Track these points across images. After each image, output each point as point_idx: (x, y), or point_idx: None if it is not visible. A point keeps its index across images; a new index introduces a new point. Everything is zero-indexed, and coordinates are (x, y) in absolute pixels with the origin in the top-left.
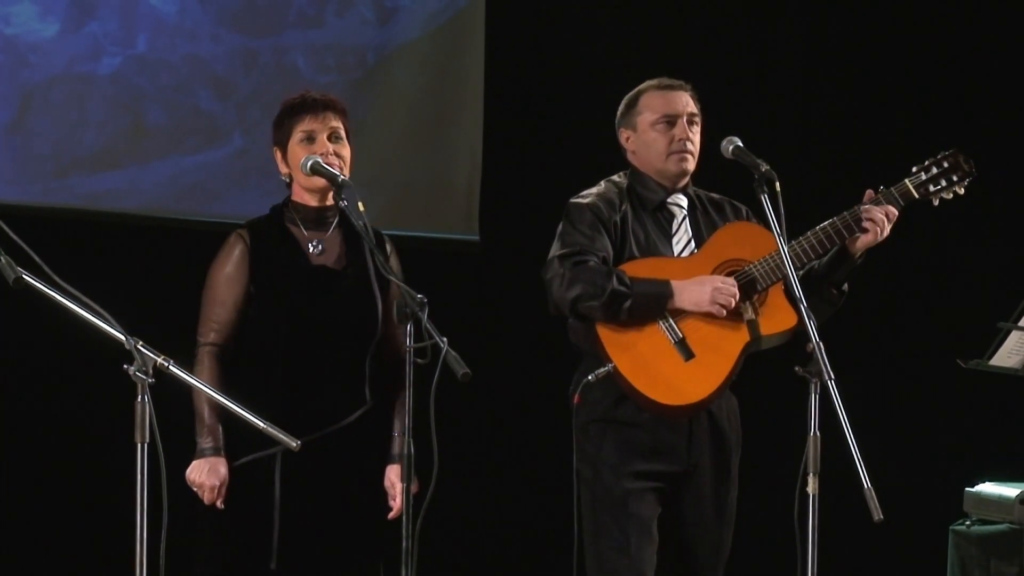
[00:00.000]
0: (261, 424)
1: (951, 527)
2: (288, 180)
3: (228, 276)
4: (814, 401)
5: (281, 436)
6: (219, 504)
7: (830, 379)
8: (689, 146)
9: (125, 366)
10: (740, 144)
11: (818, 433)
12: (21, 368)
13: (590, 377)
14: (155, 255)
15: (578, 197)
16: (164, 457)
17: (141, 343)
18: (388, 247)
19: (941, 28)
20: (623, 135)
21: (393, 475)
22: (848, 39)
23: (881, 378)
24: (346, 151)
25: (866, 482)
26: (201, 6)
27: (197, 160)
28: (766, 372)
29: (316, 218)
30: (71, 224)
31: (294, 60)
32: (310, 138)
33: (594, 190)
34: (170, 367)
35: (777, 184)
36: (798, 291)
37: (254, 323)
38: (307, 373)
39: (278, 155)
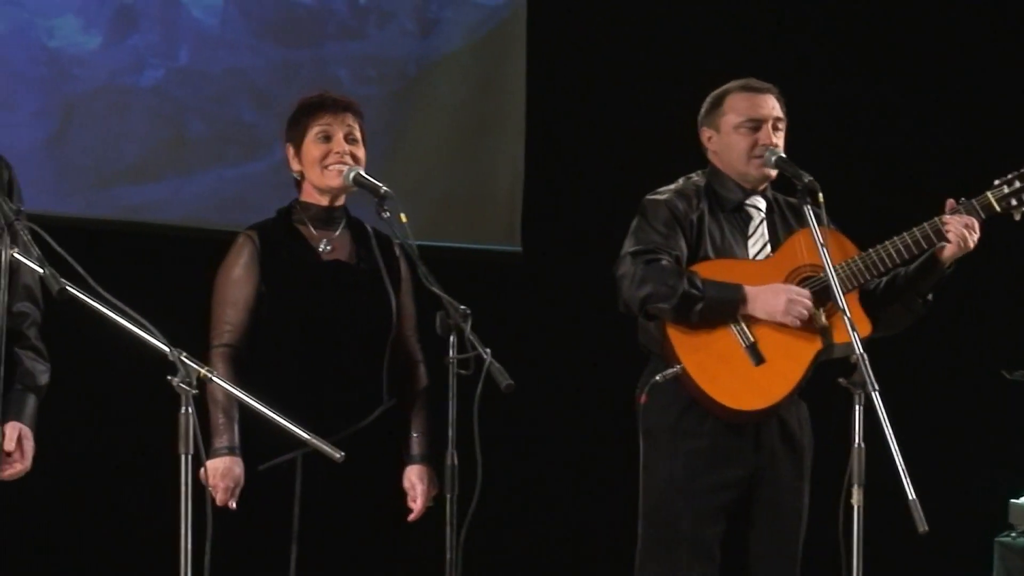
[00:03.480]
0: (304, 435)
1: (996, 539)
2: (299, 178)
3: (238, 277)
4: (858, 412)
5: (325, 447)
6: (231, 505)
7: (874, 390)
8: (768, 152)
9: (168, 377)
10: (783, 155)
11: (863, 444)
12: (64, 380)
13: (658, 377)
14: (197, 266)
15: (654, 193)
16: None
17: (184, 354)
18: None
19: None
20: (705, 134)
21: (414, 476)
22: (904, 45)
23: (926, 389)
24: (361, 153)
25: (911, 493)
26: (243, 18)
27: (238, 172)
28: (810, 383)
29: (325, 217)
30: (113, 235)
31: (335, 72)
32: (327, 136)
33: (671, 187)
34: (213, 378)
35: (820, 195)
36: (841, 303)
37: (267, 323)
38: (323, 372)
39: (290, 151)
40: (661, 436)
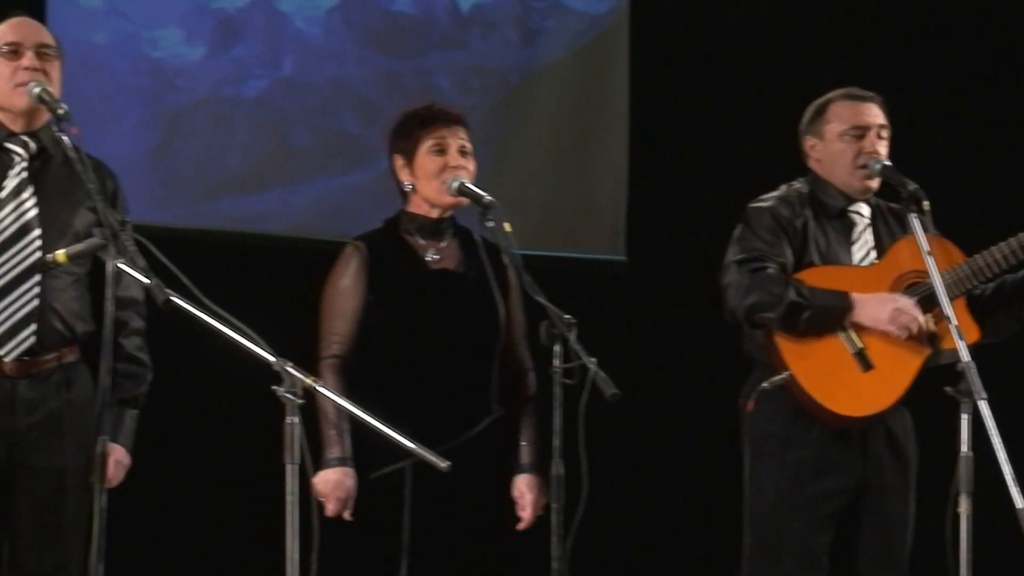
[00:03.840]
0: (410, 445)
1: None
2: (408, 189)
3: (346, 288)
4: (966, 421)
5: (430, 457)
6: (346, 516)
7: (982, 399)
8: (872, 160)
9: (274, 387)
10: (888, 163)
11: (970, 453)
12: (169, 391)
13: (766, 384)
14: (301, 276)
15: (758, 201)
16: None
17: (290, 364)
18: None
19: None
20: (807, 142)
21: (523, 485)
22: (1011, 50)
23: None
24: (472, 165)
25: (1019, 502)
26: (346, 28)
27: (343, 182)
28: (914, 390)
29: (433, 228)
30: (217, 246)
31: (438, 82)
32: (441, 149)
33: (774, 194)
34: (318, 388)
35: (925, 203)
36: (948, 311)
37: (375, 333)
38: (431, 381)
39: (399, 163)
40: (768, 444)
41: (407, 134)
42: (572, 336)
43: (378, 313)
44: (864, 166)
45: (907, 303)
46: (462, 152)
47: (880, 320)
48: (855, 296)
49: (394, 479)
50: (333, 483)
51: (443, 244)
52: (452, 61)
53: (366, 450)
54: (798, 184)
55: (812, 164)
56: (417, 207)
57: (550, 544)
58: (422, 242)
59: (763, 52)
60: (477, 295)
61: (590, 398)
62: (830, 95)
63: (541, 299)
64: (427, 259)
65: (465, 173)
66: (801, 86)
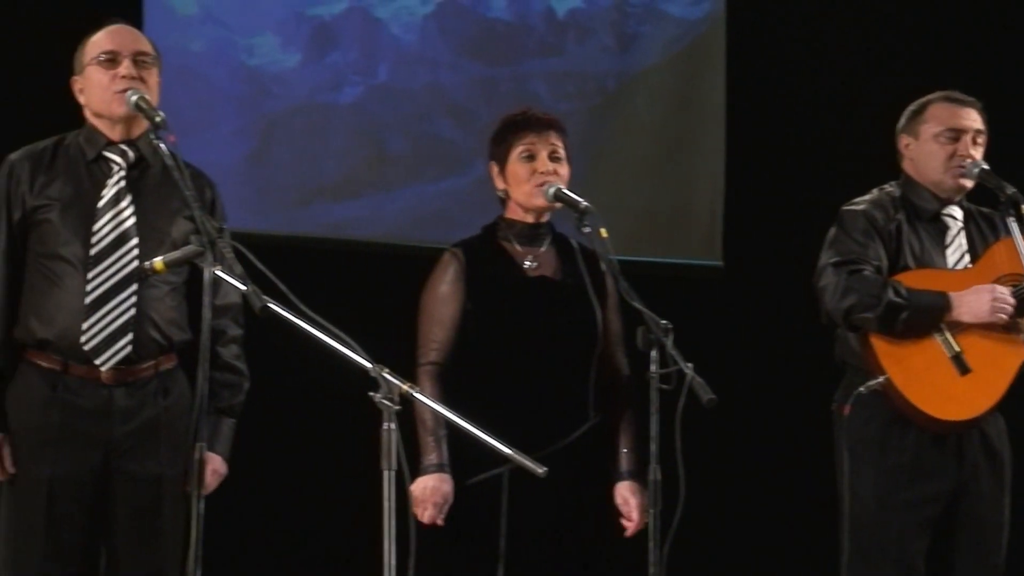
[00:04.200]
0: (507, 451)
1: None
2: (503, 196)
3: (444, 295)
4: None
5: (527, 463)
6: (439, 522)
7: None
8: (970, 163)
9: (371, 393)
10: (986, 167)
11: None
12: (266, 397)
13: (862, 389)
14: (396, 282)
15: (851, 204)
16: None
17: (387, 370)
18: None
19: None
20: (903, 141)
21: (626, 491)
22: None
23: None
24: (565, 170)
25: None
26: (442, 35)
27: (438, 188)
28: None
29: (530, 234)
30: (314, 252)
31: (534, 88)
32: (531, 155)
33: (867, 197)
34: (415, 394)
35: (1023, 207)
36: None
37: (473, 339)
38: (529, 388)
39: (494, 170)
40: (864, 449)
41: (500, 140)
42: (669, 341)
43: (476, 320)
44: (959, 167)
45: (1001, 288)
46: (554, 157)
47: (981, 312)
48: (952, 294)
49: (491, 486)
50: (430, 489)
51: (541, 250)
52: (548, 67)
53: (463, 457)
54: (890, 187)
55: (905, 164)
56: (513, 213)
57: (646, 550)
58: (519, 248)
59: (859, 55)
60: (575, 302)
61: (687, 403)
62: (930, 96)
63: (638, 304)
64: (524, 266)
65: (555, 178)
66: (898, 89)
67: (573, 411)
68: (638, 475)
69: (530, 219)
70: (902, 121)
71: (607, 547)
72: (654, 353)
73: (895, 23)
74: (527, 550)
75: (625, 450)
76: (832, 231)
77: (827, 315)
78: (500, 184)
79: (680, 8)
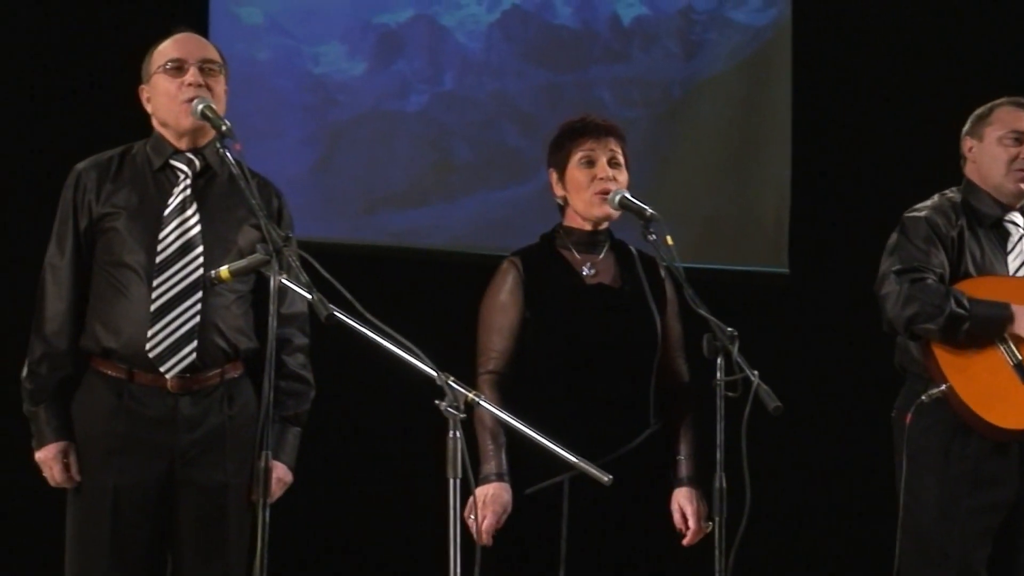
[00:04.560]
0: (574, 459)
1: None
2: (562, 203)
3: (503, 303)
4: None
5: (594, 471)
6: (489, 536)
7: None
8: None
9: (436, 401)
10: None
11: None
12: (333, 405)
13: (924, 397)
14: (463, 290)
15: (913, 210)
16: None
17: (452, 378)
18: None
19: None
20: (966, 144)
21: (682, 498)
22: None
23: None
24: (624, 177)
25: None
26: (507, 43)
27: (504, 196)
28: None
29: (589, 241)
30: (379, 261)
31: (600, 95)
32: (590, 161)
33: (928, 203)
34: (481, 402)
35: None
36: None
37: (532, 348)
38: (589, 396)
39: (553, 176)
40: (925, 457)
41: (559, 147)
42: (735, 349)
43: (535, 329)
44: (1020, 170)
45: None
46: (613, 163)
47: None
48: (1015, 307)
49: (552, 494)
50: (490, 497)
51: (599, 257)
52: (614, 74)
53: (522, 466)
54: (951, 193)
55: (968, 169)
56: (572, 220)
57: (712, 558)
58: (578, 256)
59: (926, 62)
60: (634, 310)
61: (753, 410)
62: (997, 100)
63: (703, 312)
64: (583, 273)
65: (614, 185)
66: (964, 96)
67: (634, 418)
68: (695, 482)
69: (589, 226)
70: (967, 124)
71: (670, 556)
72: (720, 360)
73: (962, 27)
74: (588, 558)
75: (683, 457)
76: (894, 237)
77: (888, 323)
78: (559, 191)
79: (746, 15)
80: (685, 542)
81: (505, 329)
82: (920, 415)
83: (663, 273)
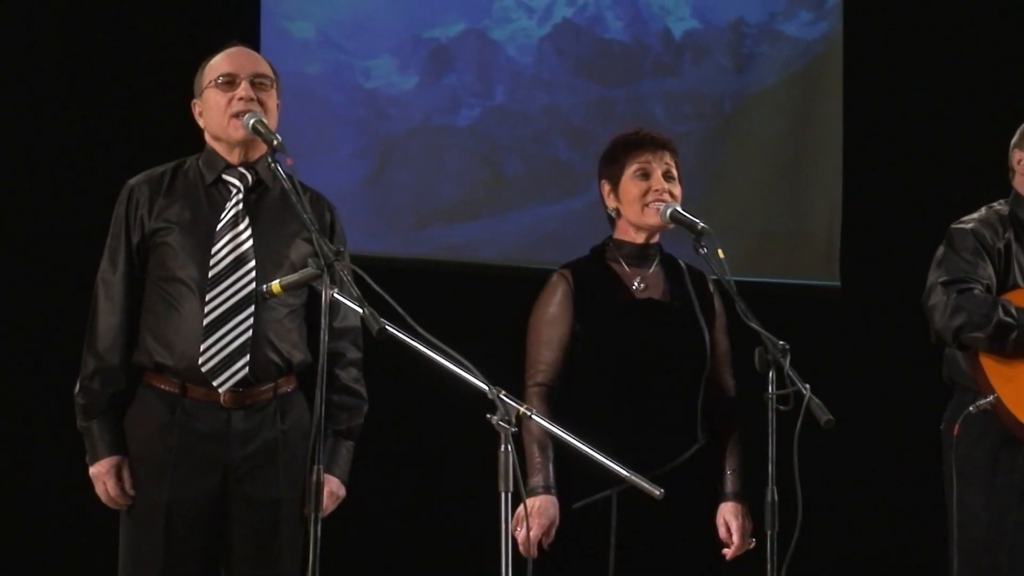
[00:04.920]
0: (625, 473)
1: None
2: (614, 215)
3: (553, 316)
4: None
5: (645, 485)
6: (544, 545)
7: None
8: None
9: (487, 415)
10: None
11: None
12: (384, 419)
13: (971, 408)
14: (514, 304)
15: (960, 223)
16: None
17: (503, 392)
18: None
19: None
20: (1015, 156)
21: (728, 513)
22: None
23: None
24: (678, 190)
25: None
26: (558, 57)
27: (555, 210)
28: None
29: (639, 255)
30: (431, 274)
31: (651, 109)
32: (645, 173)
33: (975, 215)
34: (533, 416)
35: None
36: None
37: (582, 361)
38: (637, 410)
39: (605, 188)
40: (974, 470)
41: (613, 159)
42: (786, 362)
43: (584, 342)
44: None
45: None
46: (668, 176)
47: None
48: None
49: (599, 508)
50: (537, 509)
51: (649, 271)
52: (665, 88)
53: (569, 479)
54: (998, 205)
55: (1016, 181)
56: (623, 233)
57: (763, 572)
58: (628, 269)
59: (977, 73)
60: (683, 325)
61: (804, 424)
62: None
63: (755, 325)
64: (633, 287)
65: (669, 198)
66: (1014, 109)
67: (682, 433)
68: (741, 496)
69: (640, 239)
70: (1016, 137)
71: (717, 570)
72: (772, 374)
73: (1013, 41)
74: (636, 572)
75: (729, 471)
76: (941, 250)
77: (936, 334)
78: (612, 203)
79: (797, 28)
80: (728, 557)
81: (554, 342)
82: (967, 427)
83: (712, 287)
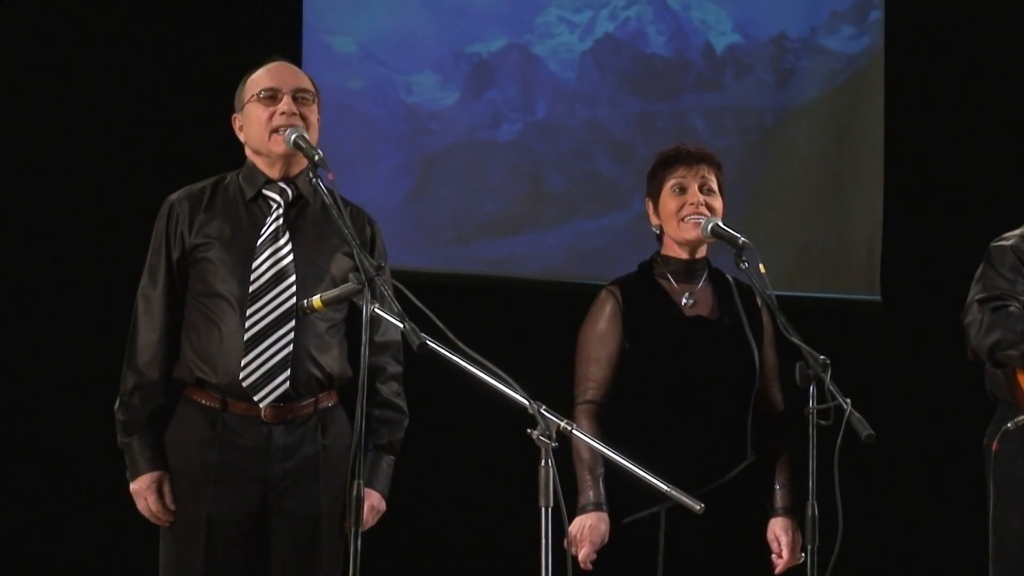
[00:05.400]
0: (665, 487)
1: None
2: (659, 232)
3: (601, 333)
4: None
5: (684, 499)
6: (588, 564)
7: None
8: None
9: (528, 430)
10: None
11: None
12: (425, 433)
13: (1009, 425)
14: (556, 320)
15: (1000, 239)
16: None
17: (544, 407)
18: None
19: None
20: None
21: (778, 528)
22: None
23: None
24: (718, 204)
25: None
26: (600, 71)
27: (597, 225)
28: None
29: (687, 271)
30: (473, 290)
31: (692, 123)
32: (682, 188)
33: (1016, 232)
34: (573, 431)
35: None
36: None
37: (631, 378)
38: (688, 427)
39: (650, 206)
40: (1012, 486)
41: (653, 176)
42: (827, 377)
43: (634, 360)
44: None
45: None
46: (705, 190)
47: None
48: None
49: (648, 524)
50: (588, 528)
51: (697, 287)
52: (706, 102)
53: (618, 495)
54: None
55: None
56: (669, 249)
57: None
58: (676, 285)
59: (1019, 90)
60: (733, 342)
61: (845, 439)
62: None
63: (796, 340)
64: (681, 304)
65: (706, 211)
66: None
67: (732, 449)
68: (791, 511)
69: (686, 255)
70: None
71: None
72: (813, 388)
73: None
74: None
75: (779, 486)
76: (981, 266)
77: (972, 351)
78: (655, 220)
79: (838, 43)
80: (776, 572)
81: (603, 359)
82: (1006, 443)
83: (760, 302)
